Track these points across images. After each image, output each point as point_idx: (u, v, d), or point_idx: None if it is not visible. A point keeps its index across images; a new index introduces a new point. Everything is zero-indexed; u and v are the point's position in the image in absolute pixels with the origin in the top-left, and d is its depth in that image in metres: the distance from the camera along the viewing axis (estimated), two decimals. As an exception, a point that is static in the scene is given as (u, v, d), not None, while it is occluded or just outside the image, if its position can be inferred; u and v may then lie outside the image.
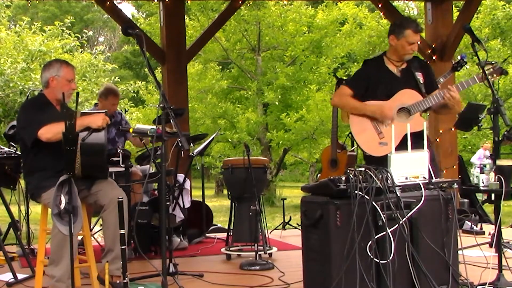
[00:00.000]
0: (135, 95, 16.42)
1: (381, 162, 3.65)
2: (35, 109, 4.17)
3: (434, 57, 7.76)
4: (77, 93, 3.80)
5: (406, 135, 3.71)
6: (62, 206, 3.66)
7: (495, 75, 4.27)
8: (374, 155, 4.29)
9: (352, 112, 4.46)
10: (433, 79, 4.55)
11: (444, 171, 7.38)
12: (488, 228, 6.65)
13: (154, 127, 3.99)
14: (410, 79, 4.41)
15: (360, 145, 4.42)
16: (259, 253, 5.14)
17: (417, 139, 3.78)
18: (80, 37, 14.36)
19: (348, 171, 3.43)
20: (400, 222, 3.37)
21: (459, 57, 4.40)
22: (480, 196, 7.80)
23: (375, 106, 4.33)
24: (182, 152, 5.75)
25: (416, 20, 4.49)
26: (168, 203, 5.06)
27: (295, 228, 7.04)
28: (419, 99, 4.33)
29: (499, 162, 4.09)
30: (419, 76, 4.42)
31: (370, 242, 3.34)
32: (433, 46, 7.77)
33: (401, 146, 3.88)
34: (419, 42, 4.46)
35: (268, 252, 5.48)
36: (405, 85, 4.38)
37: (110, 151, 5.25)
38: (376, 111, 4.32)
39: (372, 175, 3.39)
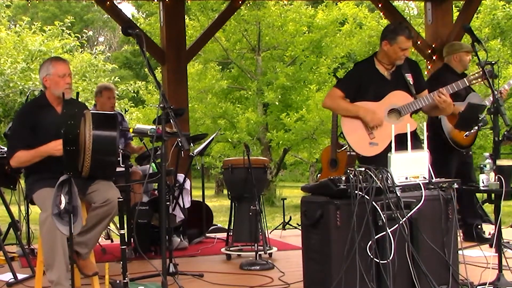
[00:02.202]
0: (135, 95, 16.40)
1: (372, 162, 3.68)
2: (26, 118, 4.15)
3: (434, 57, 7.76)
4: (77, 93, 3.81)
5: (399, 136, 3.74)
6: (62, 206, 3.66)
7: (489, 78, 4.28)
8: (364, 155, 4.35)
9: (344, 114, 4.50)
10: (421, 79, 4.60)
11: None
12: (488, 228, 6.65)
13: (154, 127, 3.99)
14: (400, 81, 4.47)
15: (351, 145, 4.47)
16: (259, 253, 5.14)
17: (411, 140, 3.80)
18: (80, 37, 14.35)
19: (348, 171, 3.43)
20: (400, 222, 3.37)
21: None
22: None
23: (366, 110, 4.38)
24: (182, 152, 5.75)
25: (408, 27, 4.54)
26: (168, 203, 5.06)
27: (295, 228, 7.04)
28: (410, 100, 4.39)
29: (499, 162, 4.09)
30: (409, 78, 4.48)
31: (370, 242, 3.34)
32: (433, 46, 7.77)
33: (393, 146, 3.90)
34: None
35: (268, 252, 5.48)
36: (396, 87, 4.44)
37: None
38: (367, 116, 4.37)
39: (372, 175, 3.40)
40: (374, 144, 4.30)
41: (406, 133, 3.81)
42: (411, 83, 4.46)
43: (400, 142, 3.72)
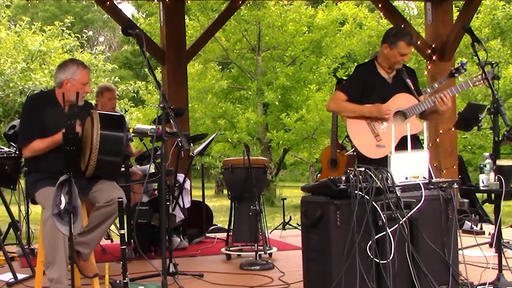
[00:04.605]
0: (135, 95, 16.40)
1: (379, 165, 3.66)
2: (35, 109, 4.15)
3: (434, 57, 7.76)
4: (77, 93, 3.80)
5: (403, 137, 3.73)
6: (62, 206, 3.66)
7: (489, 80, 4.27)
8: (371, 157, 4.31)
9: (350, 116, 4.47)
10: (418, 86, 4.59)
11: (444, 171, 7.38)
12: (488, 228, 6.65)
13: (154, 127, 3.99)
14: (401, 85, 4.46)
15: (357, 147, 4.43)
16: (259, 253, 5.14)
17: (412, 142, 3.80)
18: (80, 37, 14.34)
19: (348, 171, 3.43)
20: (400, 222, 3.37)
21: (459, 64, 4.41)
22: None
23: (373, 106, 4.37)
24: (182, 152, 5.76)
25: (411, 32, 4.53)
26: (168, 203, 5.07)
27: (295, 228, 7.04)
28: (414, 102, 4.37)
29: (499, 162, 4.10)
30: (410, 83, 4.46)
31: (370, 242, 3.34)
32: (433, 46, 7.77)
33: (398, 148, 3.89)
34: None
35: (268, 252, 5.48)
36: (398, 90, 4.43)
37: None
38: (374, 111, 4.35)
39: (372, 175, 3.40)
40: (381, 146, 4.26)
41: (413, 135, 3.83)
42: (412, 88, 4.44)
43: (405, 144, 3.71)
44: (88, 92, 4.25)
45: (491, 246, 5.41)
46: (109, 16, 21.71)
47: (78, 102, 3.73)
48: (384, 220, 3.34)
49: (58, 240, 3.77)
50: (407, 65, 4.74)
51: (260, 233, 5.32)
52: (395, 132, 3.74)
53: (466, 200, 7.36)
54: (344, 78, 6.55)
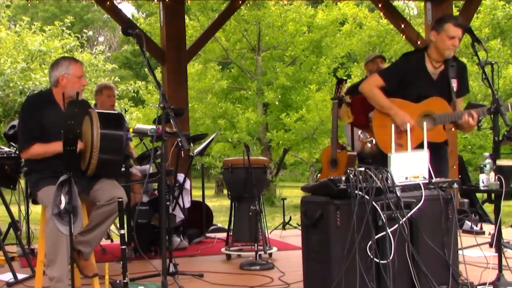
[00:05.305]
0: (135, 95, 16.41)
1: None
2: (34, 110, 4.14)
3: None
4: (77, 93, 3.80)
5: (422, 142, 3.71)
6: (62, 206, 3.66)
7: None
8: (386, 152, 4.19)
9: (376, 107, 4.36)
10: (465, 84, 4.42)
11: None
12: (488, 228, 6.65)
13: (154, 127, 3.99)
14: (444, 84, 4.31)
15: (376, 139, 4.35)
16: (259, 253, 5.14)
17: (434, 149, 3.79)
18: (80, 37, 14.34)
19: (348, 171, 3.43)
20: (400, 222, 3.37)
21: None
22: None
23: (398, 112, 4.25)
24: (182, 152, 5.75)
25: (458, 15, 4.39)
26: (168, 203, 5.06)
27: (295, 228, 7.05)
28: (447, 110, 4.25)
29: (499, 162, 4.09)
30: (454, 83, 4.32)
31: (370, 242, 3.34)
32: (433, 46, 7.76)
33: (418, 147, 3.89)
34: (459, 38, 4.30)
35: (268, 252, 5.48)
36: (439, 90, 4.29)
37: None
38: (397, 118, 4.23)
39: (372, 175, 3.40)
40: (399, 145, 4.14)
41: (436, 142, 3.78)
42: (455, 90, 4.31)
43: (429, 144, 3.68)
44: (85, 85, 4.24)
45: (491, 246, 5.41)
46: (109, 16, 21.68)
47: (78, 98, 3.73)
48: (384, 220, 3.34)
49: (60, 239, 3.77)
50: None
51: (260, 233, 5.32)
52: (418, 135, 3.69)
53: (466, 200, 7.37)
54: (344, 78, 6.53)
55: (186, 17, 12.09)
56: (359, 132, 5.14)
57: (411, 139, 3.71)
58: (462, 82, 4.38)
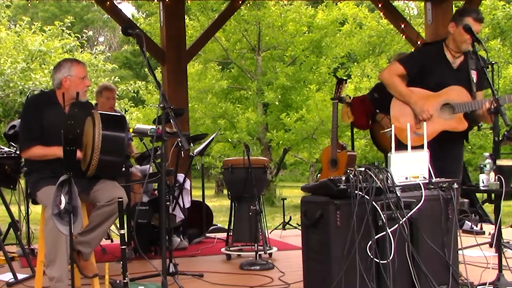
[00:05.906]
0: (135, 95, 16.40)
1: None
2: (35, 110, 4.14)
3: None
4: (77, 93, 3.80)
5: (444, 132, 3.68)
6: (62, 206, 3.66)
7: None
8: (405, 143, 4.16)
9: (395, 95, 4.32)
10: (485, 79, 4.33)
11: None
12: (488, 228, 6.65)
13: (154, 127, 3.99)
14: (464, 74, 4.28)
15: (393, 128, 4.31)
16: (259, 253, 5.14)
17: (455, 138, 3.76)
18: (80, 37, 14.34)
19: (348, 171, 3.43)
20: (400, 222, 3.37)
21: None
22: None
23: (417, 101, 4.22)
24: (182, 152, 5.75)
25: (479, 10, 4.36)
26: (168, 203, 5.06)
27: (295, 228, 7.04)
28: (467, 99, 4.20)
29: (499, 162, 4.09)
30: (474, 75, 4.28)
31: (370, 242, 3.34)
32: (433, 46, 7.75)
33: (435, 141, 3.91)
34: (476, 32, 4.25)
35: (268, 252, 5.48)
36: (459, 79, 4.26)
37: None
38: (417, 107, 4.20)
39: (372, 175, 3.40)
40: (419, 135, 4.02)
41: (455, 132, 3.76)
42: (475, 81, 4.27)
43: (446, 139, 3.65)
44: (89, 85, 4.25)
45: (491, 246, 5.41)
46: (109, 16, 21.70)
47: (78, 99, 3.73)
48: (384, 220, 3.34)
49: (60, 238, 3.77)
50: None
51: (260, 233, 5.32)
52: (437, 124, 3.66)
53: (466, 200, 7.36)
54: (344, 78, 6.53)
55: (186, 17, 12.10)
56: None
57: (429, 129, 3.66)
58: (482, 75, 4.30)
